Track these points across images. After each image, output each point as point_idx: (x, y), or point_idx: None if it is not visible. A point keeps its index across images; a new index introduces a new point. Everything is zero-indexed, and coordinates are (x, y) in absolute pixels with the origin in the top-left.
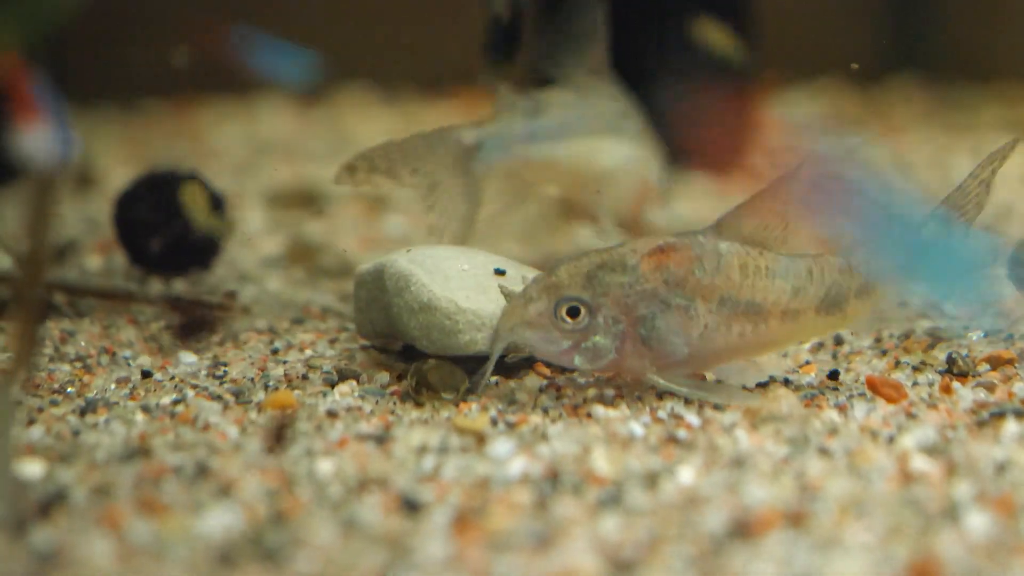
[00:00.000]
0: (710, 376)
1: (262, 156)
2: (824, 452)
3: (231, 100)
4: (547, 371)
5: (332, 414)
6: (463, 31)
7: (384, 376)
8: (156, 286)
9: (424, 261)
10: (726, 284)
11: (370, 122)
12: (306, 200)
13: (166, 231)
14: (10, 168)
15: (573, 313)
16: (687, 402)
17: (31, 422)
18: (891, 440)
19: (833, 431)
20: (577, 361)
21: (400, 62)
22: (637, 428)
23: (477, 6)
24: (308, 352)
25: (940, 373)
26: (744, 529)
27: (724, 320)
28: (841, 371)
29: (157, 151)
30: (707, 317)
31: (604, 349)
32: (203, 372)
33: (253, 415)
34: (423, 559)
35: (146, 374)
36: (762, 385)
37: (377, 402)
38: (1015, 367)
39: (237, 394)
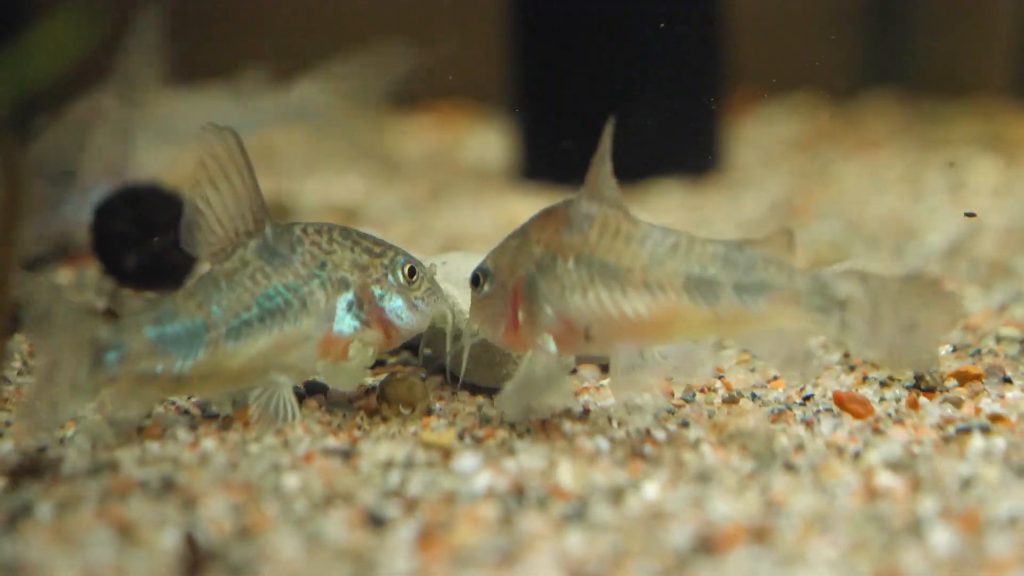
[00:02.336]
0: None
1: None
2: (790, 468)
3: None
4: None
5: (299, 428)
6: (440, 47)
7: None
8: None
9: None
10: (583, 243)
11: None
12: (280, 213)
13: (143, 247)
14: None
15: (476, 281)
16: (655, 416)
17: None
18: (857, 456)
19: (799, 447)
20: (488, 332)
21: None
22: (603, 443)
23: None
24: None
25: (907, 388)
26: (708, 544)
27: (580, 280)
28: (809, 386)
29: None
30: (565, 276)
31: (499, 314)
32: None
33: (221, 429)
34: (388, 574)
35: None
36: (730, 401)
37: (344, 416)
38: (982, 383)
39: (204, 408)
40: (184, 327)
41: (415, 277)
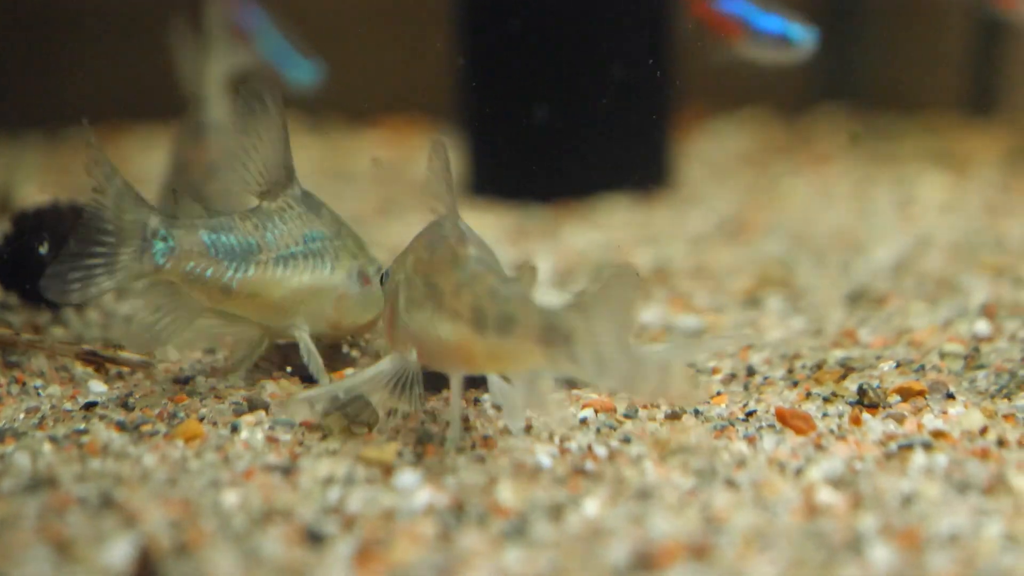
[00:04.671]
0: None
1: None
2: (731, 484)
3: (160, 127)
4: (462, 403)
5: (239, 444)
6: (391, 61)
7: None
8: (59, 331)
9: None
10: (428, 261)
11: (298, 151)
12: None
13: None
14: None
15: (381, 280)
16: (598, 432)
17: None
18: (798, 472)
19: (741, 463)
20: (382, 326)
21: (327, 91)
22: (545, 459)
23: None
24: (219, 382)
25: (850, 404)
26: (647, 561)
27: (417, 298)
28: (752, 402)
29: (82, 179)
30: (413, 291)
31: (385, 311)
32: (113, 402)
33: (162, 445)
34: None
35: (90, 405)
36: (673, 417)
37: (286, 432)
38: (925, 399)
39: (145, 423)
40: (239, 241)
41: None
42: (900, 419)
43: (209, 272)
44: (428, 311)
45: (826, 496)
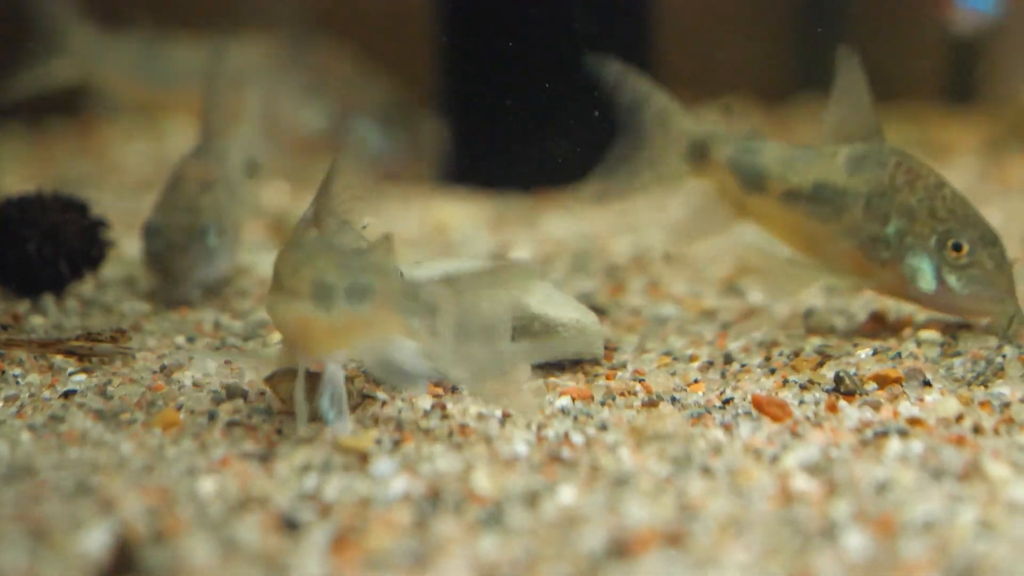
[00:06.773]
0: None
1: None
2: (707, 471)
3: (138, 118)
4: (439, 390)
5: (217, 432)
6: (371, 50)
7: (272, 394)
8: (38, 320)
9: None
10: (279, 256)
11: None
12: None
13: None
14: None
15: None
16: (575, 419)
17: None
18: (774, 459)
19: (717, 450)
20: None
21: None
22: (521, 447)
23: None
24: (197, 371)
25: (827, 392)
26: (622, 548)
27: (272, 282)
28: (729, 389)
29: (61, 169)
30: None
31: None
32: (91, 391)
33: (140, 433)
34: None
35: (69, 393)
36: (650, 404)
37: (263, 420)
38: (902, 386)
39: (124, 412)
40: (756, 166)
41: (960, 253)
42: (876, 406)
43: (728, 185)
44: (272, 297)
45: (801, 483)
